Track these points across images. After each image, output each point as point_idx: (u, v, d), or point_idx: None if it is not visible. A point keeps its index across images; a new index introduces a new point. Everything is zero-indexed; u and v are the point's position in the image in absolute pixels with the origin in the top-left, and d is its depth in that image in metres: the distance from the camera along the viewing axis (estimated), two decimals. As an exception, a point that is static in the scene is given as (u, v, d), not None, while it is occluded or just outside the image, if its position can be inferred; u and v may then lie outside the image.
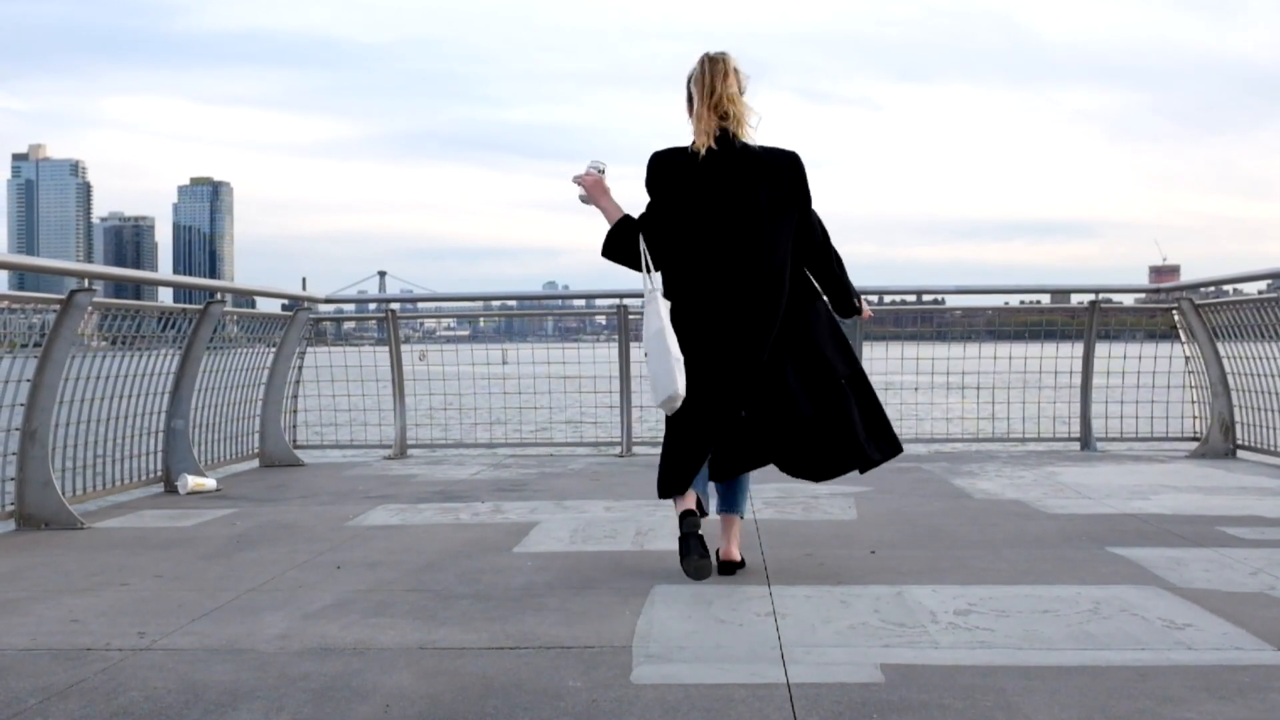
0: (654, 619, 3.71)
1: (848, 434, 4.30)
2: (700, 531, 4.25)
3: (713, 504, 4.52)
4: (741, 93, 4.34)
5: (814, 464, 4.38)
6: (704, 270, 4.29)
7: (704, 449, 4.34)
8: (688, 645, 3.41)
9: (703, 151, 4.29)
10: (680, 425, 4.33)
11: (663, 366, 4.15)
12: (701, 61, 4.33)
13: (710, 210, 4.28)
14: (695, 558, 4.19)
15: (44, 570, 4.72)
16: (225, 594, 4.20)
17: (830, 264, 4.49)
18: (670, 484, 4.37)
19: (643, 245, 4.39)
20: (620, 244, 4.46)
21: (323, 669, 3.22)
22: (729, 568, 4.45)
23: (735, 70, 4.32)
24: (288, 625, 3.72)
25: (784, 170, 4.36)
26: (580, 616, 3.77)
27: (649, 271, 4.36)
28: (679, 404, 4.17)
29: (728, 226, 4.26)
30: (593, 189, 4.54)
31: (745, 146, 4.34)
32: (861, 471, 4.35)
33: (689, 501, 4.31)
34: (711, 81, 4.28)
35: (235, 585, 4.35)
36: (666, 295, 4.35)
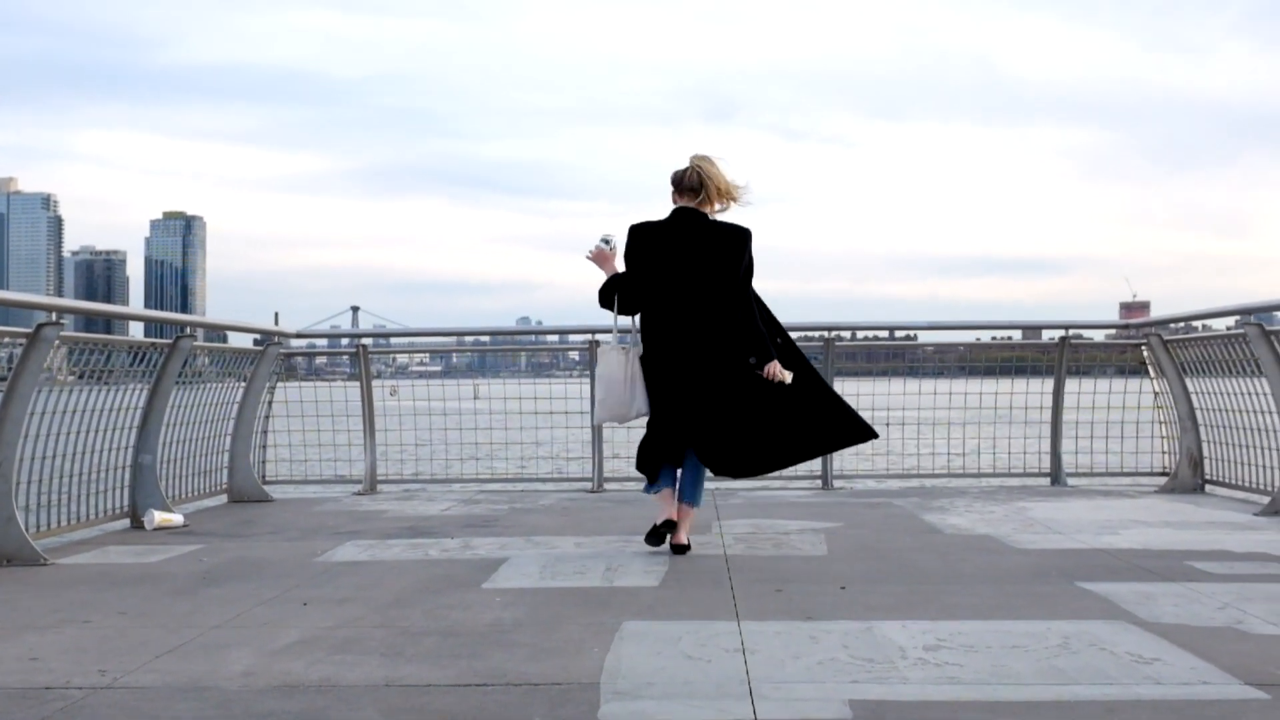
0: (622, 655, 3.69)
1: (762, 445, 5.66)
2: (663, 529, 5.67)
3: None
4: (727, 194, 5.66)
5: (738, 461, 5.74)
6: (665, 314, 5.62)
7: (668, 445, 5.67)
8: (656, 682, 3.39)
9: (674, 223, 5.65)
10: (654, 428, 5.74)
11: (605, 393, 5.75)
12: (696, 163, 5.65)
13: (671, 269, 5.60)
14: (654, 538, 5.69)
15: (4, 608, 4.66)
16: (190, 631, 4.16)
17: (744, 317, 5.58)
18: (645, 467, 5.76)
19: (616, 296, 5.74)
20: (606, 296, 5.82)
21: (287, 707, 3.18)
22: (680, 549, 5.69)
23: (711, 175, 5.63)
24: (252, 662, 3.68)
25: (735, 242, 5.63)
26: (548, 653, 3.74)
27: (616, 319, 5.78)
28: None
29: (683, 282, 5.58)
30: (598, 262, 5.89)
31: (704, 221, 5.65)
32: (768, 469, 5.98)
33: (669, 512, 5.69)
34: (706, 175, 5.63)
35: (200, 622, 4.31)
36: (642, 331, 5.72)
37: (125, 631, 4.18)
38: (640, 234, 5.68)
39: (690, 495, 5.78)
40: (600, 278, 5.88)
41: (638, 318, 5.80)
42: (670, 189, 5.74)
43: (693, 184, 5.63)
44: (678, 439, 5.65)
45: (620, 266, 5.81)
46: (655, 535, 5.67)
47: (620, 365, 5.71)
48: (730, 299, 5.56)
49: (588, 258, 5.92)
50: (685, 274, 5.56)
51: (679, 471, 5.75)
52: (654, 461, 5.71)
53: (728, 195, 5.68)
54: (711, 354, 5.54)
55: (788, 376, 5.54)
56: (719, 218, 5.73)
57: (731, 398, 5.54)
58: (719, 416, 5.56)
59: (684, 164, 5.70)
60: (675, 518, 5.68)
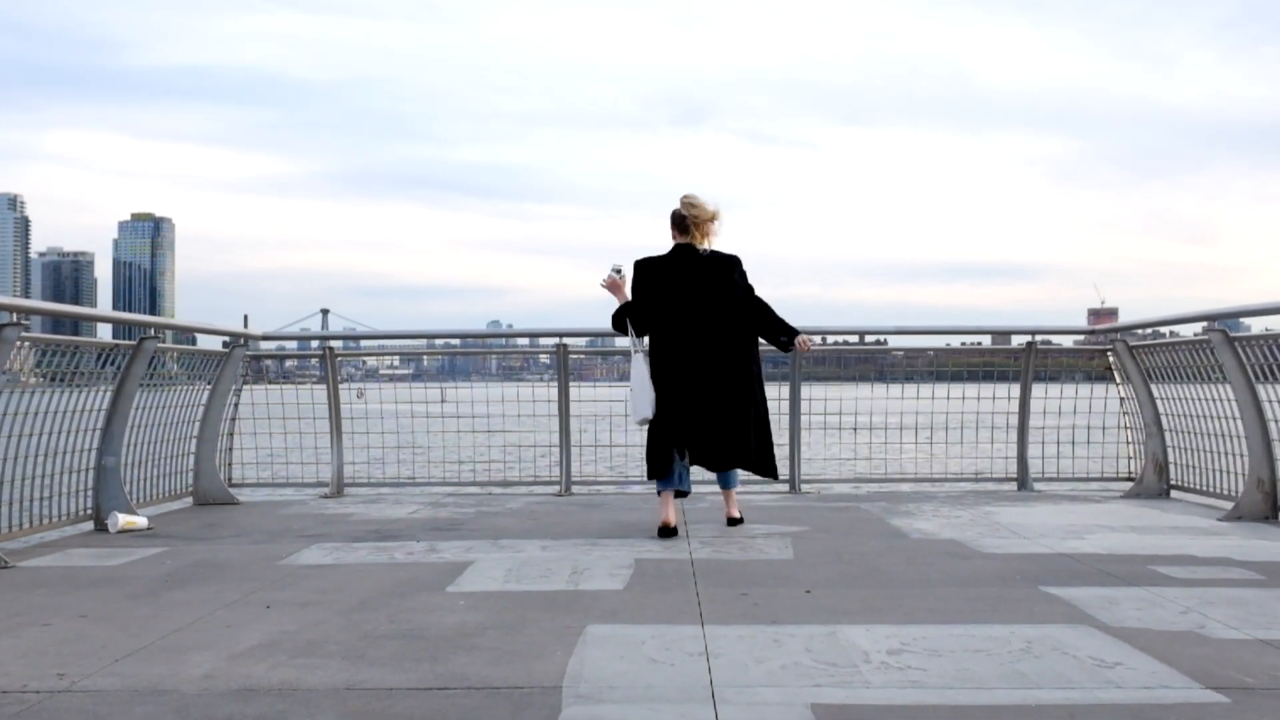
0: (585, 659, 3.68)
1: (745, 445, 6.60)
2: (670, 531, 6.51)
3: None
4: (712, 220, 6.60)
5: (723, 457, 6.64)
6: (673, 333, 6.57)
7: (675, 445, 6.57)
8: (618, 685, 3.38)
9: (674, 256, 6.61)
10: (659, 430, 6.58)
11: (645, 400, 6.54)
12: (692, 200, 6.62)
13: (676, 295, 6.56)
14: (665, 534, 6.47)
15: (-36, 610, 4.61)
16: (151, 634, 4.12)
17: (763, 315, 6.66)
18: (656, 469, 6.61)
19: (629, 320, 6.66)
20: (620, 320, 6.74)
21: (246, 711, 3.16)
22: (734, 522, 6.84)
23: (707, 212, 6.59)
24: (213, 666, 3.65)
25: (725, 268, 6.60)
26: (511, 656, 3.73)
27: (635, 338, 6.66)
28: (648, 422, 6.60)
29: (686, 305, 6.54)
30: (611, 289, 6.83)
31: (697, 255, 6.58)
32: (749, 468, 6.78)
33: (670, 517, 6.55)
34: (691, 218, 6.58)
35: (162, 625, 4.27)
36: (651, 349, 6.65)
37: (85, 635, 4.14)
38: (645, 267, 6.67)
39: (726, 482, 6.93)
40: (613, 303, 6.84)
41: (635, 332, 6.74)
42: (671, 227, 6.70)
43: (682, 224, 6.63)
44: (688, 439, 6.58)
45: (629, 293, 6.76)
46: (665, 532, 6.51)
47: (641, 365, 6.65)
48: (727, 315, 6.57)
49: (602, 286, 6.84)
50: (686, 299, 6.55)
51: (677, 476, 6.69)
52: (667, 462, 6.58)
53: (710, 225, 6.63)
54: (712, 363, 6.53)
55: (815, 340, 6.72)
56: (714, 243, 6.68)
57: (722, 404, 6.52)
58: (711, 420, 6.53)
59: (675, 202, 6.68)
60: (674, 521, 6.56)
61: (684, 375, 6.52)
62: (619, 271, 6.81)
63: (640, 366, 6.62)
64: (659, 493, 6.69)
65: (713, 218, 6.63)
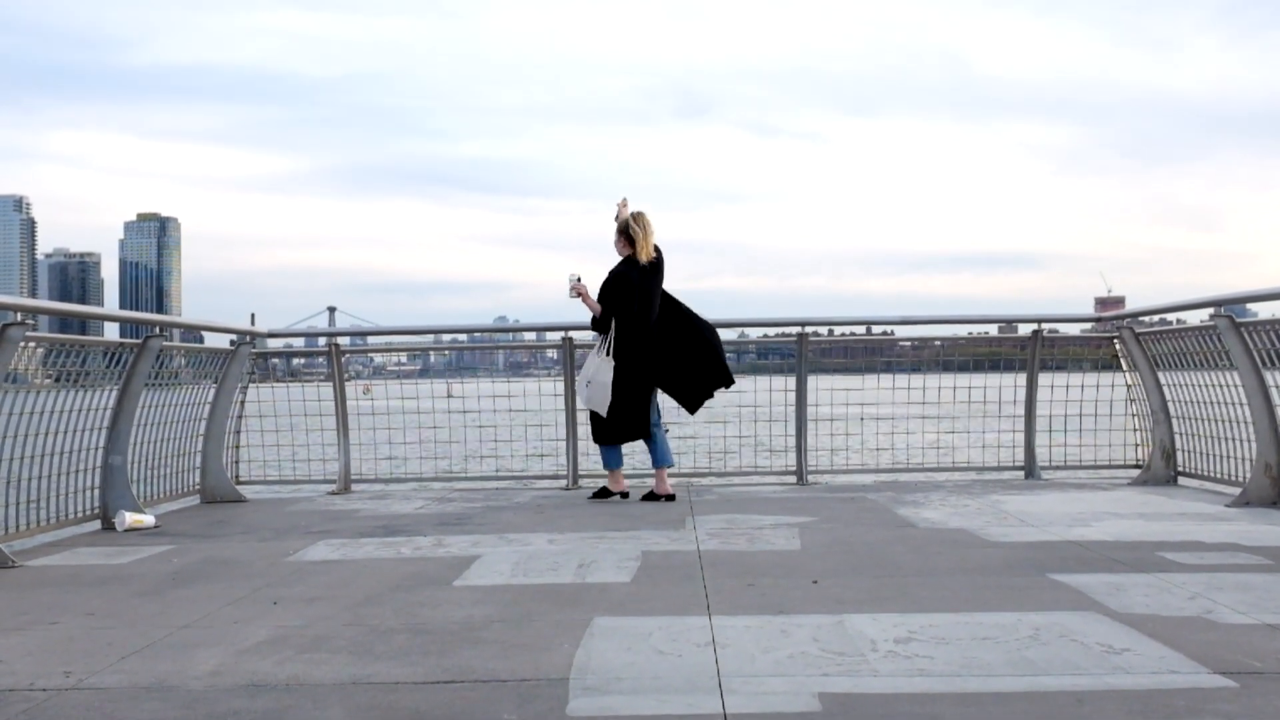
0: (592, 651, 3.67)
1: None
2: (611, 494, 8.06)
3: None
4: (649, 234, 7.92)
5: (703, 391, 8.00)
6: (638, 326, 7.78)
7: (639, 421, 7.84)
8: (625, 677, 3.37)
9: (638, 266, 7.82)
10: (622, 408, 7.78)
11: (602, 396, 7.72)
12: (638, 218, 7.92)
13: (640, 296, 7.80)
14: (602, 495, 8.05)
15: (-28, 610, 4.61)
16: (157, 631, 4.12)
17: None
18: (617, 437, 7.94)
19: (616, 320, 7.81)
20: (603, 324, 7.83)
21: (253, 706, 3.16)
22: (669, 498, 7.78)
23: (649, 224, 7.94)
24: (220, 662, 3.65)
25: (661, 266, 7.94)
26: (518, 649, 3.73)
27: (605, 337, 7.80)
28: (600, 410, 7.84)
29: (650, 303, 7.84)
30: (582, 298, 7.87)
31: (645, 263, 7.85)
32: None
33: (622, 486, 8.07)
34: (647, 232, 7.91)
35: (168, 622, 4.27)
36: (622, 340, 7.77)
37: (92, 632, 4.14)
38: (618, 276, 7.83)
39: (668, 460, 8.00)
40: (584, 309, 7.98)
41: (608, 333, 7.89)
42: (619, 235, 7.94)
43: (629, 236, 7.89)
44: (644, 418, 7.87)
45: (596, 300, 7.90)
46: (604, 494, 8.08)
47: (608, 371, 7.73)
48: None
49: (571, 297, 7.93)
50: (650, 298, 7.87)
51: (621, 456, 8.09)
52: (621, 438, 7.94)
53: (651, 241, 7.92)
54: (672, 336, 7.88)
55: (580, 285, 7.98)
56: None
57: (687, 358, 7.88)
58: (686, 369, 7.88)
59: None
60: (626, 490, 8.03)
61: (656, 352, 7.80)
62: (579, 279, 7.92)
63: (605, 370, 7.75)
64: (612, 469, 8.05)
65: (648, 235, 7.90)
